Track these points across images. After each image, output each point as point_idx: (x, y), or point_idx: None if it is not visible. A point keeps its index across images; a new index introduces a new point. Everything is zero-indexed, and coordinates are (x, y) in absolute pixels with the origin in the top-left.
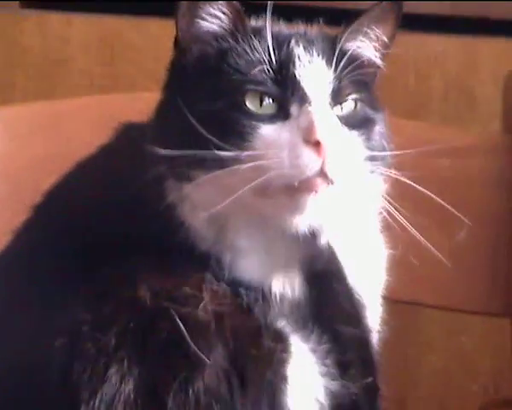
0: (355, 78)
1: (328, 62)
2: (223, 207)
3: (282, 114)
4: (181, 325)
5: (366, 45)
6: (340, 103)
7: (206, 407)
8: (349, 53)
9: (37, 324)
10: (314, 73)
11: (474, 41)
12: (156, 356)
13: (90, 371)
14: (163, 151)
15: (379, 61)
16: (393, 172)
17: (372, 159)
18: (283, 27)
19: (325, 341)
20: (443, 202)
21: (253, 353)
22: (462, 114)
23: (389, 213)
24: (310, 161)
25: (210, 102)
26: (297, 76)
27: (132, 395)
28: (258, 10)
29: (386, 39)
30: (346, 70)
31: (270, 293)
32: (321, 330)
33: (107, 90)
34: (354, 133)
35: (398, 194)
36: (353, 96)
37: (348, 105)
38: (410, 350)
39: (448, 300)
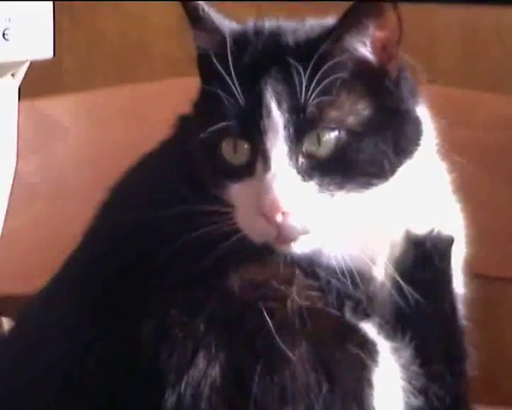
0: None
1: (295, 89)
2: None
3: (249, 169)
4: (268, 319)
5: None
6: (318, 136)
7: (292, 396)
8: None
9: (128, 306)
10: (276, 123)
11: None
12: (242, 345)
13: (177, 355)
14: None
15: (371, 57)
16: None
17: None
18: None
19: (413, 344)
20: None
21: (338, 356)
22: None
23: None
24: (263, 230)
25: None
26: (261, 127)
27: (219, 380)
28: None
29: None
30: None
31: (360, 283)
32: (409, 332)
33: (188, 73)
34: (332, 175)
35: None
36: (332, 124)
37: (328, 139)
38: (496, 328)
39: None
